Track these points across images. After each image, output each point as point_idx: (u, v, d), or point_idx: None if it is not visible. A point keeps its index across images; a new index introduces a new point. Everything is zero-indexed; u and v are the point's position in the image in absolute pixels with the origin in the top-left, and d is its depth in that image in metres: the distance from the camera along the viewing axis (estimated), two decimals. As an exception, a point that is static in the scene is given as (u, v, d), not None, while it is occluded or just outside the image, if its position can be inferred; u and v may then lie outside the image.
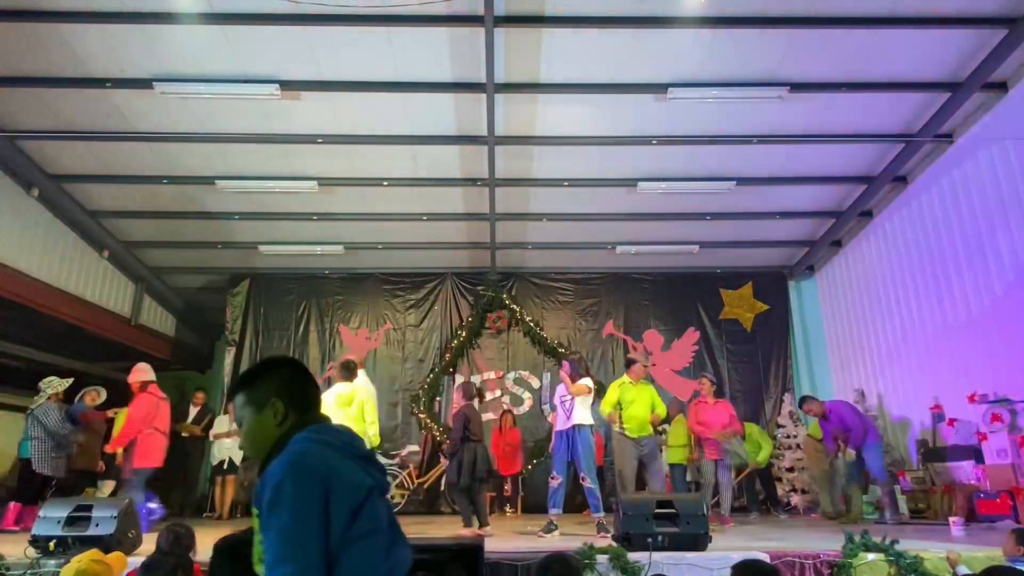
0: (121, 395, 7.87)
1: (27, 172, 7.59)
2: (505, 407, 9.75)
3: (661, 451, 7.63)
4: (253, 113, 6.92)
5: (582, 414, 5.87)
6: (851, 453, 7.17)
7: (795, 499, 8.94)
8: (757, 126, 7.23)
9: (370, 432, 6.03)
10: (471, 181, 8.22)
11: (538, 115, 7.08)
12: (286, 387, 1.70)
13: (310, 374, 1.81)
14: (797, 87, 6.55)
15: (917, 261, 8.10)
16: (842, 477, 7.55)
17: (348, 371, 6.33)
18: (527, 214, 9.01)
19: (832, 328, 10.23)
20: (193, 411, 9.37)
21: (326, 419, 1.72)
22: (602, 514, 5.69)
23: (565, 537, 5.37)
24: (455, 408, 6.61)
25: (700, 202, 8.70)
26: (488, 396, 10.03)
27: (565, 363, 6.32)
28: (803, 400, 7.88)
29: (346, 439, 1.60)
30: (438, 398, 10.06)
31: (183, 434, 9.09)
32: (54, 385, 7.42)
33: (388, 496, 1.63)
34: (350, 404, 6.01)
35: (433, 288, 10.59)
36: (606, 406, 6.44)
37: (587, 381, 6.00)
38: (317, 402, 1.76)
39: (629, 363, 6.74)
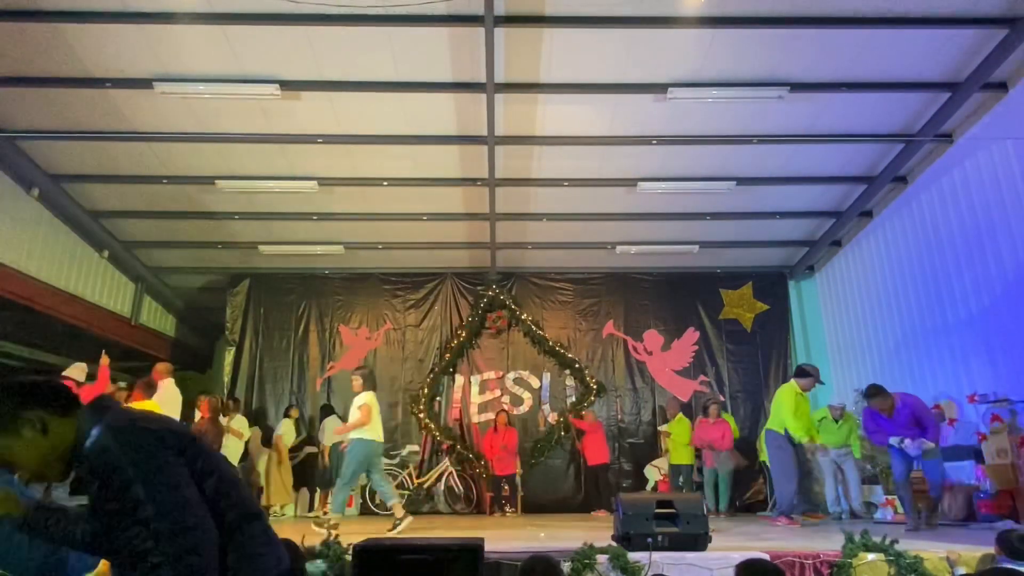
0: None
1: (27, 172, 7.59)
2: (504, 406, 9.74)
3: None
4: (253, 113, 6.92)
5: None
6: (931, 444, 5.76)
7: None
8: (757, 126, 7.23)
9: None
10: (471, 181, 8.22)
11: (538, 115, 7.08)
12: None
13: None
14: (797, 87, 6.55)
15: (917, 261, 8.09)
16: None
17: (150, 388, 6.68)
18: (527, 214, 9.01)
19: (832, 328, 10.22)
20: None
21: None
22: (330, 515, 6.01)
23: (565, 537, 5.36)
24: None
25: (700, 202, 8.70)
26: (488, 396, 10.05)
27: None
28: (873, 393, 5.92)
29: None
30: (438, 398, 10.07)
31: None
32: None
33: None
34: None
35: (433, 288, 10.58)
36: (797, 421, 6.32)
37: (361, 398, 6.38)
38: None
39: (805, 373, 6.54)
